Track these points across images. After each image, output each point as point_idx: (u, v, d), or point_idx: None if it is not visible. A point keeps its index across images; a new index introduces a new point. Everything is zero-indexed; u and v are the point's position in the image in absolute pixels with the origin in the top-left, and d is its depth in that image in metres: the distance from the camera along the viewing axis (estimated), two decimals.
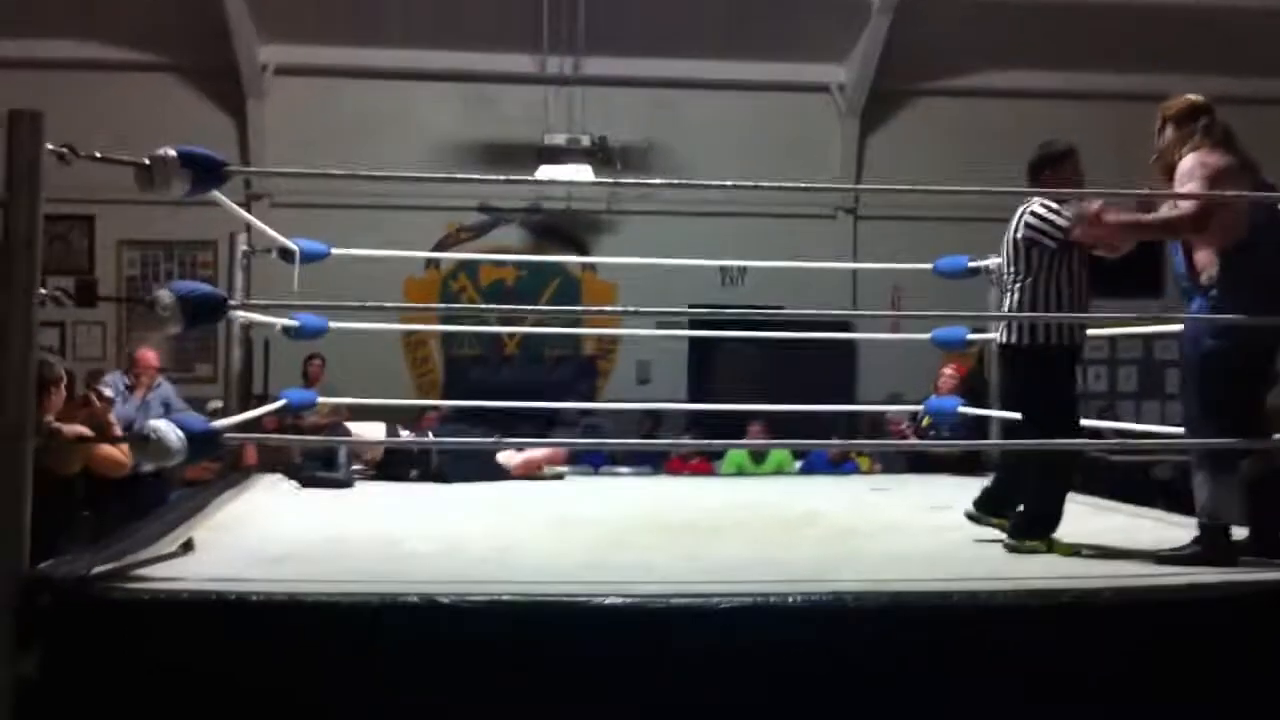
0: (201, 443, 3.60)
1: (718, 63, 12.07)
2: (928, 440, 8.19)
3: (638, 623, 3.16)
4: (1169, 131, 4.20)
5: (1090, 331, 4.75)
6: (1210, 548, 3.93)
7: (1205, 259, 4.08)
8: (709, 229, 11.68)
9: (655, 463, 10.16)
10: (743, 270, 12.14)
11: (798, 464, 9.64)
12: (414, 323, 11.38)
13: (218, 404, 7.52)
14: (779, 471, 9.50)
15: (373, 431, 6.86)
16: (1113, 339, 11.61)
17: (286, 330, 6.16)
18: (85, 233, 11.97)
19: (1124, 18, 11.62)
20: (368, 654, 3.11)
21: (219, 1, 11.15)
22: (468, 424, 8.61)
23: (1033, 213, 4.40)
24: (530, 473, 6.80)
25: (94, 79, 11.50)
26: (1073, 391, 4.52)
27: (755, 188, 4.32)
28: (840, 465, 9.44)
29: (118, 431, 5.52)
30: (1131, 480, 10.39)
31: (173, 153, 3.64)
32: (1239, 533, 4.05)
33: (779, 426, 9.42)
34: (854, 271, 12.02)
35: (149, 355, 8.28)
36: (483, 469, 6.52)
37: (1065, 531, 4.26)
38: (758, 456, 9.78)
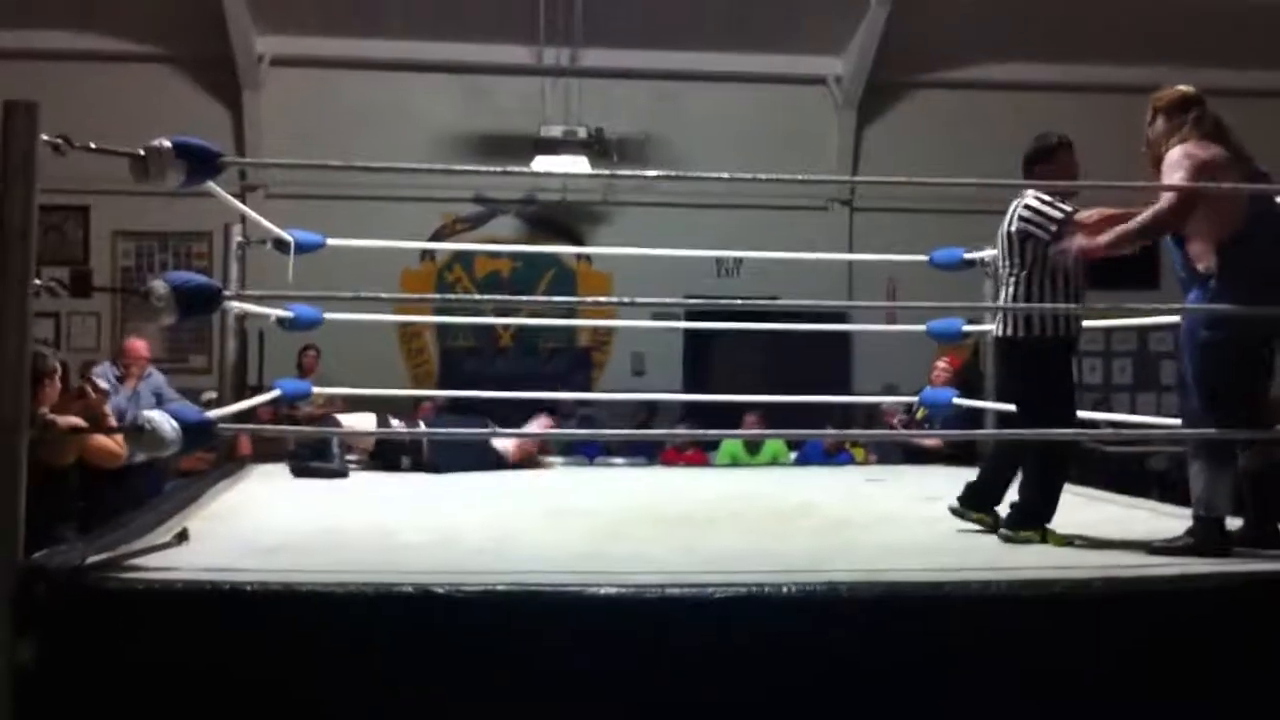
0: (196, 433, 3.60)
1: (714, 54, 12.07)
2: (922, 431, 8.20)
3: (633, 613, 3.16)
4: (1159, 123, 4.20)
5: (1085, 323, 4.75)
6: (1204, 539, 3.94)
7: (1200, 251, 4.08)
8: (705, 220, 11.69)
9: (650, 453, 10.18)
10: (738, 261, 12.17)
11: (793, 455, 9.65)
12: (409, 314, 11.38)
13: (212, 395, 7.52)
14: (774, 462, 9.51)
15: (363, 422, 6.86)
16: (1108, 331, 11.64)
17: (281, 321, 6.17)
18: (80, 223, 11.96)
19: (1123, 10, 11.63)
20: (362, 644, 3.12)
21: None
22: (462, 415, 8.62)
23: (1027, 206, 4.40)
24: (527, 456, 6.80)
25: (89, 70, 11.49)
26: (1069, 384, 4.52)
27: (751, 179, 4.32)
28: (835, 456, 9.44)
29: (113, 423, 5.52)
30: (1126, 471, 10.44)
31: (168, 144, 3.65)
32: (1233, 524, 4.06)
33: (774, 417, 9.44)
34: (850, 263, 12.02)
35: (138, 345, 8.18)
36: (475, 459, 6.53)
37: (1059, 522, 4.27)
38: (753, 447, 9.79)
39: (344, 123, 11.69)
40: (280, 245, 6.09)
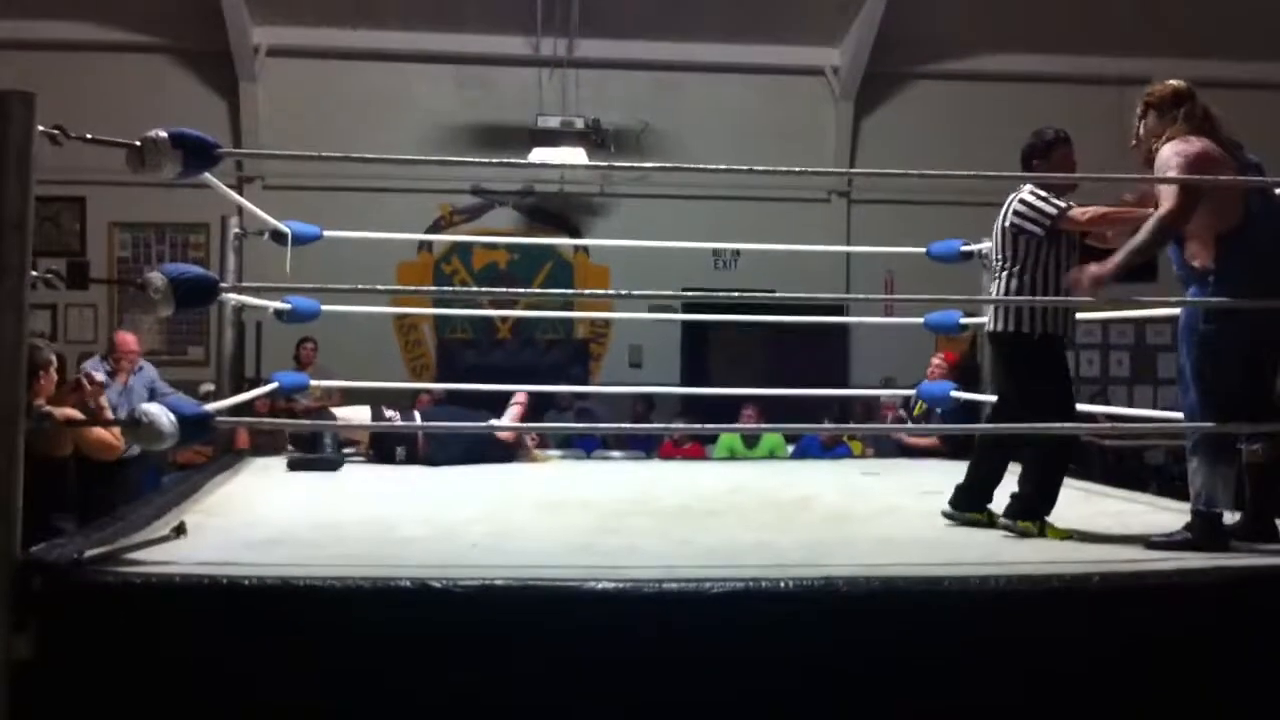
0: (193, 426, 3.59)
1: (712, 45, 12.05)
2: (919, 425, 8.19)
3: (630, 607, 3.16)
4: (1151, 118, 4.19)
5: (1083, 316, 4.75)
6: (1202, 534, 3.94)
7: (1198, 249, 4.07)
8: (702, 212, 11.68)
9: (648, 447, 10.18)
10: (736, 254, 12.15)
11: (790, 448, 9.65)
12: (406, 306, 11.38)
13: (209, 387, 7.52)
14: (771, 456, 9.50)
15: (358, 414, 6.86)
16: (1105, 324, 11.65)
17: (279, 313, 6.15)
18: (76, 214, 11.93)
19: (1121, 1, 11.61)
20: (360, 639, 3.12)
21: None
22: (459, 407, 8.61)
23: (1021, 200, 4.40)
24: (520, 437, 6.79)
25: (86, 60, 11.45)
26: (1065, 378, 4.52)
27: (749, 171, 4.30)
28: (832, 449, 9.45)
29: (109, 414, 5.51)
30: (1124, 465, 10.47)
31: (164, 134, 3.63)
32: (1230, 518, 4.06)
33: (772, 410, 9.44)
34: (847, 255, 12.02)
35: (128, 339, 8.03)
36: (471, 452, 6.52)
37: (1057, 516, 4.27)
38: (750, 440, 9.79)
39: (341, 114, 11.68)
40: (277, 237, 6.07)
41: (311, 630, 3.11)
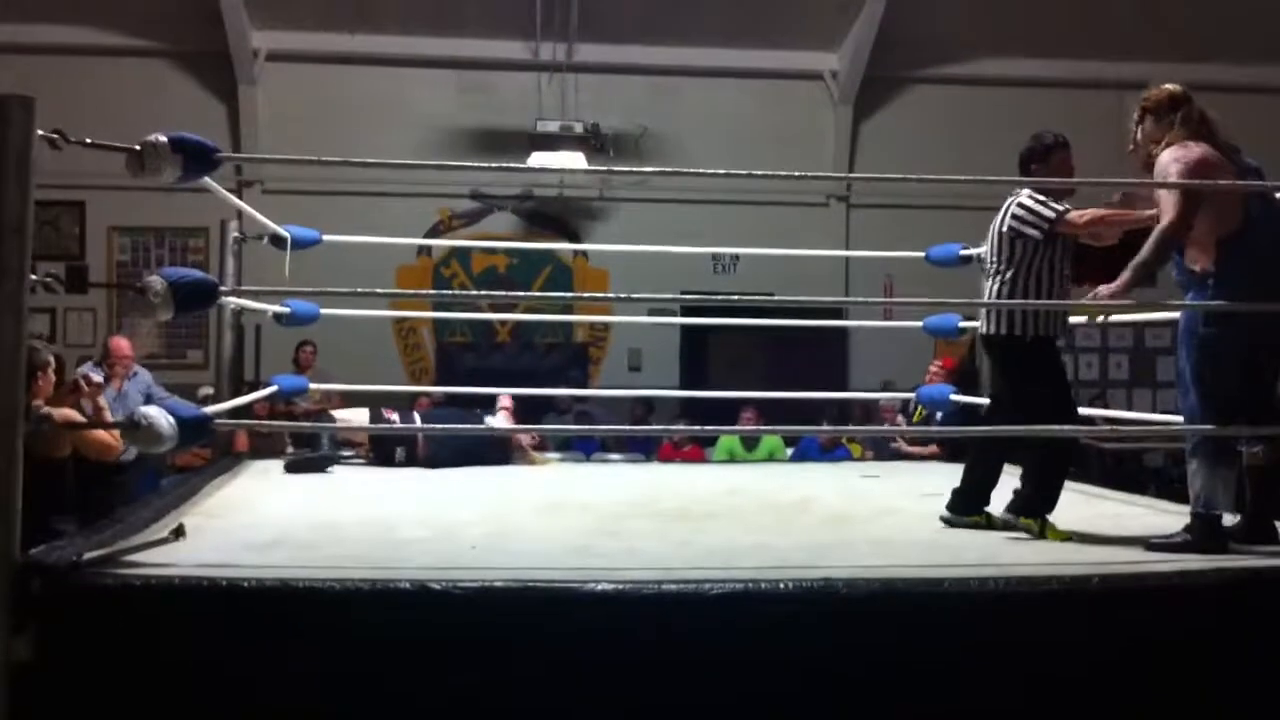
0: (192, 429, 3.60)
1: (711, 50, 12.06)
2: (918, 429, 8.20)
3: (629, 609, 3.16)
4: (1148, 123, 4.19)
5: (1083, 319, 4.76)
6: (1201, 536, 3.94)
7: (1197, 254, 4.07)
8: (701, 216, 11.69)
9: (647, 449, 10.19)
10: (735, 258, 12.16)
11: (789, 451, 9.65)
12: (406, 310, 11.37)
13: (209, 390, 7.52)
14: (771, 458, 9.51)
15: (357, 416, 6.86)
16: (1104, 327, 11.64)
17: (278, 317, 6.15)
18: (76, 218, 11.93)
19: (1120, 5, 11.62)
20: (359, 640, 3.12)
21: None
22: (457, 410, 8.62)
23: (1020, 204, 4.42)
24: (516, 439, 6.79)
25: (85, 64, 11.46)
26: (1061, 378, 4.53)
27: (748, 175, 4.31)
28: (832, 452, 9.46)
29: (108, 416, 5.51)
30: (1123, 468, 10.47)
31: (164, 138, 3.64)
32: (1229, 520, 4.06)
33: (771, 413, 9.45)
34: (846, 259, 12.01)
35: (122, 344, 7.93)
36: (469, 454, 6.52)
37: (1057, 518, 4.28)
38: (750, 443, 9.80)
39: (340, 118, 11.67)
40: (277, 241, 6.08)
41: (311, 632, 3.11)
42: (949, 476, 4.82)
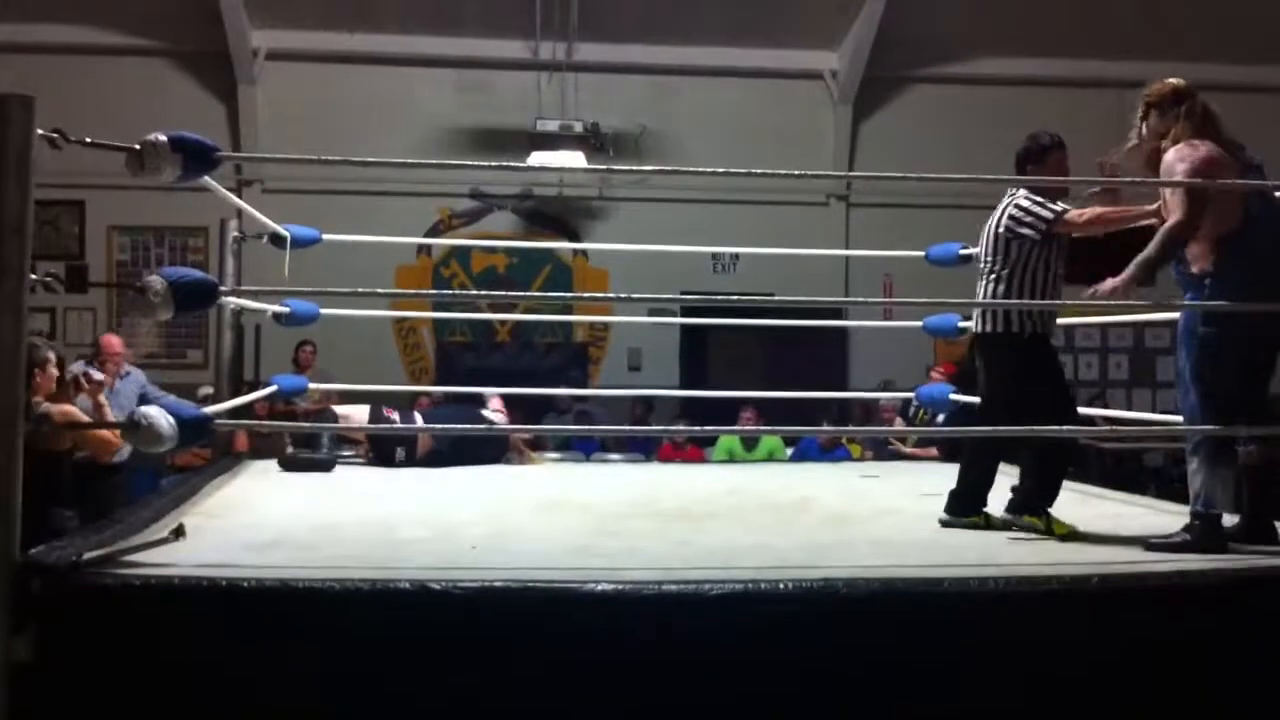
0: (192, 429, 3.59)
1: (711, 49, 12.06)
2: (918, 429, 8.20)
3: (629, 609, 3.16)
4: (1153, 118, 4.18)
5: (1082, 319, 4.77)
6: (1201, 535, 3.94)
7: (1198, 253, 4.07)
8: (701, 215, 11.69)
9: (647, 449, 10.18)
10: (735, 257, 12.15)
11: (789, 450, 9.65)
12: (405, 309, 11.37)
13: (208, 390, 7.51)
14: (771, 458, 9.51)
15: (358, 412, 6.86)
16: (1103, 327, 11.66)
17: (278, 316, 6.15)
18: (75, 218, 11.92)
19: (1119, 4, 11.61)
20: (359, 640, 3.12)
21: None
22: (457, 409, 8.62)
23: (1017, 205, 4.42)
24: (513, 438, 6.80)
25: (85, 64, 11.45)
26: (1059, 376, 4.54)
27: (747, 174, 4.30)
28: (831, 452, 9.45)
29: (108, 412, 5.51)
30: (1123, 468, 10.47)
31: (164, 138, 3.64)
32: (1229, 520, 4.06)
33: (771, 413, 9.45)
34: (846, 258, 12.01)
35: (113, 341, 7.86)
36: (471, 453, 6.52)
37: (1056, 517, 4.28)
38: (749, 443, 9.79)
39: (340, 117, 11.66)
40: (276, 240, 6.08)
41: (311, 632, 3.11)
42: (948, 477, 4.81)
